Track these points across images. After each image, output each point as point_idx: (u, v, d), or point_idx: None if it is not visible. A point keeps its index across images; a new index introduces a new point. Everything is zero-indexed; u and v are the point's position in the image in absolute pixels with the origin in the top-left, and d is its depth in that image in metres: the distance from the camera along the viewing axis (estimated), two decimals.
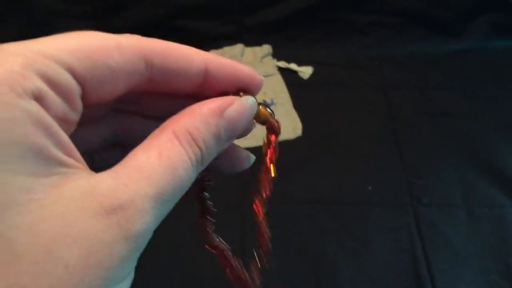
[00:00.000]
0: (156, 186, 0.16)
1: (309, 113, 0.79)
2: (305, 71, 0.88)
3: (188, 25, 0.89)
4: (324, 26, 0.93)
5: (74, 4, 0.84)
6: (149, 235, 0.16)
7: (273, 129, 0.22)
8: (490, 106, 0.82)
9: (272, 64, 0.89)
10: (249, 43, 0.90)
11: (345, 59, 0.90)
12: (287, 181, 0.68)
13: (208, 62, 0.19)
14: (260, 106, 0.21)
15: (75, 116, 0.16)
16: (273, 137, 0.23)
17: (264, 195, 0.23)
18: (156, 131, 0.17)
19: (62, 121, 0.15)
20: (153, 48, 0.18)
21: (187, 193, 0.20)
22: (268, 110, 0.22)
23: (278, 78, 0.86)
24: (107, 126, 0.21)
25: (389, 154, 0.75)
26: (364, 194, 0.69)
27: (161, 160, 0.16)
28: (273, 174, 0.23)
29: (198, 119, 0.18)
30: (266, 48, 0.90)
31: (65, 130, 0.15)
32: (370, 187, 0.70)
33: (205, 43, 0.89)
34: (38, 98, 0.14)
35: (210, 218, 0.25)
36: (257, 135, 0.26)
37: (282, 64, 0.89)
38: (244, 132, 0.21)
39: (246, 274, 0.24)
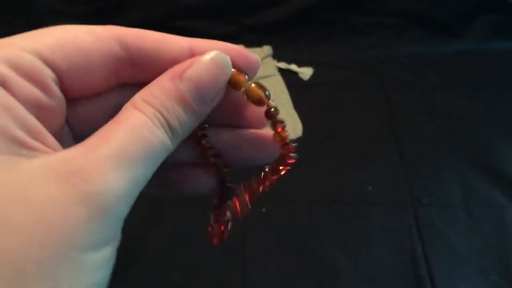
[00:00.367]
0: (116, 146, 0.15)
1: (309, 113, 0.79)
2: (306, 72, 0.88)
3: (188, 25, 0.89)
4: (324, 27, 0.93)
5: (74, 4, 0.84)
6: (117, 198, 0.15)
7: (268, 114, 0.20)
8: (490, 107, 0.82)
9: (273, 65, 0.89)
10: (249, 44, 0.90)
11: (346, 60, 0.90)
12: (287, 181, 0.68)
13: (193, 42, 0.20)
14: (253, 84, 0.20)
15: (53, 102, 0.16)
16: (279, 129, 0.21)
17: (258, 189, 0.22)
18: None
19: (35, 106, 0.16)
20: (126, 31, 0.18)
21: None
22: (266, 92, 0.20)
23: (279, 79, 0.87)
24: (111, 100, 0.20)
25: (389, 154, 0.75)
26: (364, 194, 0.69)
27: (120, 125, 0.16)
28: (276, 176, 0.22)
29: (154, 87, 0.18)
30: (267, 49, 0.90)
31: (42, 116, 0.16)
32: (370, 187, 0.70)
33: None
34: (2, 83, 0.15)
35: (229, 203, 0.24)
36: None
37: (283, 65, 0.89)
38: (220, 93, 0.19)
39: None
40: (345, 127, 0.79)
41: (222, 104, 0.20)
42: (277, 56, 0.90)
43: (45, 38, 0.16)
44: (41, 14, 0.83)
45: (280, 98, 0.83)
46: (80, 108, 0.19)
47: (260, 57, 0.96)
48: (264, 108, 0.20)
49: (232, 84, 0.19)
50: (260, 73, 0.21)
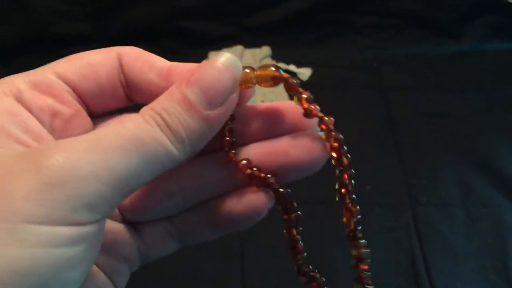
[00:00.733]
0: (93, 133, 0.16)
1: None
2: (304, 73, 0.88)
3: (188, 26, 0.89)
4: (323, 27, 0.93)
5: (74, 5, 0.84)
6: (76, 177, 0.15)
7: (289, 87, 0.20)
8: (489, 108, 0.82)
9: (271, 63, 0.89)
10: (248, 44, 0.91)
11: (344, 60, 0.90)
12: None
13: (173, 65, 0.20)
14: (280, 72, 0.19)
15: (68, 110, 0.19)
16: (323, 126, 0.20)
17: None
18: None
19: (50, 114, 0.19)
20: (124, 50, 0.20)
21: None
22: (295, 81, 0.20)
23: None
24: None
25: (387, 154, 0.75)
26: (363, 194, 0.69)
27: (110, 124, 0.17)
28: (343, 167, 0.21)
29: (162, 95, 0.18)
30: (265, 50, 0.91)
31: (59, 123, 0.19)
32: (369, 187, 0.70)
33: (204, 44, 0.89)
34: (17, 95, 0.18)
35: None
36: None
37: (281, 65, 0.89)
38: (232, 94, 0.19)
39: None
40: (343, 128, 0.78)
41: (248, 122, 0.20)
42: (276, 57, 0.90)
43: (62, 61, 0.20)
44: (41, 15, 0.83)
45: (279, 99, 0.83)
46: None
47: (259, 57, 0.96)
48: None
49: (244, 83, 0.19)
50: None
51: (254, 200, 0.21)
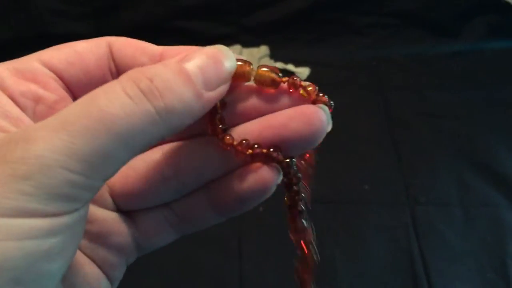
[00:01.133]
0: (59, 116, 0.15)
1: None
2: (302, 72, 0.88)
3: (186, 25, 0.89)
4: (321, 27, 0.94)
5: (74, 5, 0.84)
6: (47, 167, 0.14)
7: (292, 85, 0.19)
8: (487, 107, 0.82)
9: (270, 65, 0.89)
10: (246, 44, 0.91)
11: (342, 60, 0.91)
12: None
13: (165, 48, 0.20)
14: (262, 69, 0.19)
15: (53, 96, 0.19)
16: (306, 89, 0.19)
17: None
18: None
19: (33, 99, 0.18)
20: (115, 39, 0.20)
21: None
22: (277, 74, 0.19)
23: None
24: None
25: (386, 154, 0.75)
26: (361, 194, 0.69)
27: (78, 103, 0.16)
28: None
29: (155, 65, 0.17)
30: (264, 49, 0.91)
31: (43, 108, 0.18)
32: (367, 187, 0.70)
33: (202, 43, 0.89)
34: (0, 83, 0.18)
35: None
36: None
37: (280, 65, 0.89)
38: (225, 83, 0.18)
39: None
40: (342, 127, 0.79)
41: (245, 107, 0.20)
42: (274, 56, 0.90)
43: (49, 49, 0.19)
44: (40, 14, 0.83)
45: None
46: None
47: (257, 57, 0.96)
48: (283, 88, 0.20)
49: (239, 75, 0.19)
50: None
51: (262, 176, 0.20)
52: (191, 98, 0.17)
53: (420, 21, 0.94)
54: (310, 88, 0.20)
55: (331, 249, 0.63)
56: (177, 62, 0.17)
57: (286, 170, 0.20)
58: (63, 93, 0.19)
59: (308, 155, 0.21)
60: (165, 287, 0.60)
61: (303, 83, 0.20)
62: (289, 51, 0.91)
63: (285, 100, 0.20)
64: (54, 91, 0.19)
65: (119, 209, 0.21)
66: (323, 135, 0.19)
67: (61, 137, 0.14)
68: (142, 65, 0.19)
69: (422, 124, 0.80)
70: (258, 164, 0.20)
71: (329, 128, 0.19)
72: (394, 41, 0.93)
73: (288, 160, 0.20)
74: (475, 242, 0.64)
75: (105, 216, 0.20)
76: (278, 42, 0.91)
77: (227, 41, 0.90)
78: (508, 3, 0.91)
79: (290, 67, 0.89)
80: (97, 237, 0.20)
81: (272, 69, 0.20)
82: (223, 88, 0.18)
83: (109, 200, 0.21)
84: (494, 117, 0.80)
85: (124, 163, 0.16)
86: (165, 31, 0.88)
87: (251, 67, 0.19)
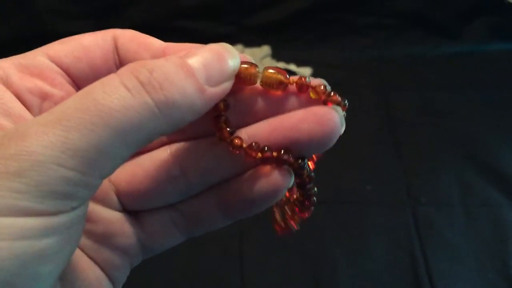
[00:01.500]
0: (56, 110, 0.15)
1: None
2: (304, 72, 0.88)
3: (188, 25, 0.89)
4: (323, 27, 0.93)
5: (74, 4, 0.84)
6: (40, 164, 0.13)
7: (299, 86, 0.18)
8: (489, 107, 0.82)
9: (271, 65, 0.89)
10: (248, 44, 0.90)
11: (344, 60, 0.90)
12: None
13: (168, 45, 0.20)
14: (269, 70, 0.19)
15: (59, 92, 0.19)
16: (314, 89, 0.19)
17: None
18: None
19: (39, 95, 0.18)
20: (120, 32, 0.20)
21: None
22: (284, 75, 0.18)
23: None
24: None
25: (387, 154, 0.75)
26: (363, 194, 0.69)
27: (76, 96, 0.15)
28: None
29: (157, 59, 0.16)
30: (265, 49, 0.91)
31: (46, 103, 0.18)
32: (368, 187, 0.70)
33: (204, 43, 0.89)
34: (4, 79, 0.17)
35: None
36: None
37: (281, 65, 0.89)
38: (227, 81, 0.18)
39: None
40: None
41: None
42: (276, 56, 0.90)
43: (55, 43, 0.19)
44: (40, 14, 0.83)
45: None
46: None
47: (259, 56, 0.96)
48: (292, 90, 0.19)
49: (245, 78, 0.18)
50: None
51: (273, 180, 0.19)
52: (193, 92, 0.16)
53: (421, 21, 0.94)
54: (320, 88, 0.19)
55: (332, 249, 0.63)
56: (180, 56, 0.17)
57: (299, 171, 0.20)
58: (70, 89, 0.19)
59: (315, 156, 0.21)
60: (165, 287, 0.60)
61: (313, 83, 0.19)
62: (291, 51, 0.91)
63: (293, 101, 0.19)
64: (61, 88, 0.19)
65: (124, 209, 0.20)
66: (336, 137, 0.19)
67: (55, 132, 0.14)
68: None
69: (423, 124, 0.80)
70: (268, 167, 0.19)
71: (342, 129, 0.19)
72: (395, 42, 0.93)
73: (300, 161, 0.19)
74: (476, 242, 0.64)
75: (110, 216, 0.20)
76: (280, 42, 0.91)
77: (229, 41, 0.90)
78: (511, 4, 0.91)
79: (292, 67, 0.89)
80: (101, 238, 0.19)
81: (279, 71, 0.19)
82: (226, 85, 0.18)
83: (114, 199, 0.20)
84: (496, 117, 0.80)
85: (123, 159, 0.15)
86: (166, 31, 0.87)
87: (257, 69, 0.19)
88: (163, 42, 0.20)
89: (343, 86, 0.86)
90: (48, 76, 0.18)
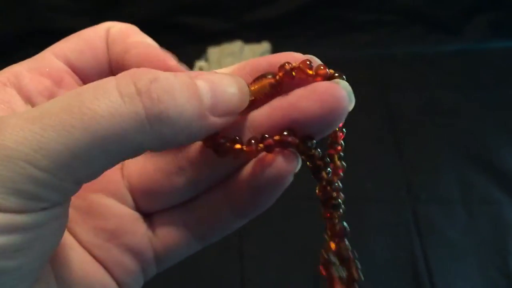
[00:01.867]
0: (40, 107, 0.14)
1: None
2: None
3: (187, 21, 0.89)
4: (323, 24, 0.93)
5: (74, 1, 0.84)
6: (8, 159, 0.13)
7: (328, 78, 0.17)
8: (489, 105, 0.82)
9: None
10: (248, 40, 0.90)
11: (344, 57, 0.90)
12: None
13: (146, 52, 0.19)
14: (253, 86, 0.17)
15: (61, 92, 0.18)
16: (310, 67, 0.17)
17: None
18: None
19: (46, 95, 0.18)
20: (113, 26, 0.20)
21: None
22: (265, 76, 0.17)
23: None
24: None
25: (388, 151, 0.75)
26: (362, 191, 0.69)
27: (64, 95, 0.15)
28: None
29: (164, 71, 0.16)
30: (265, 46, 0.90)
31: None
32: (369, 184, 0.70)
33: (203, 39, 0.89)
34: (16, 84, 0.17)
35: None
36: None
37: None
38: (231, 115, 0.17)
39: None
40: (343, 124, 0.79)
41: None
42: (275, 53, 0.90)
43: (60, 42, 0.19)
44: (40, 10, 0.83)
45: None
46: None
47: (258, 53, 0.96)
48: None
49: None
50: None
51: (277, 167, 0.18)
52: (193, 115, 0.15)
53: (422, 18, 0.94)
54: (306, 64, 0.17)
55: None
56: (190, 76, 0.15)
57: (306, 153, 0.17)
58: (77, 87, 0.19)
59: (334, 136, 0.18)
60: (165, 286, 0.60)
61: (309, 71, 0.17)
62: (290, 48, 0.89)
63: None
64: (68, 87, 0.19)
65: (138, 210, 0.20)
66: (344, 114, 0.17)
67: (32, 128, 0.13)
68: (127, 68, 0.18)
69: (424, 121, 0.79)
70: (271, 155, 0.18)
71: (351, 105, 0.17)
72: (396, 39, 0.93)
73: (307, 141, 0.17)
74: (476, 240, 0.64)
75: (123, 212, 0.19)
76: (279, 39, 0.91)
77: (229, 37, 0.90)
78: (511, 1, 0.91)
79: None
80: (112, 236, 0.19)
81: (262, 75, 0.18)
82: (228, 120, 0.16)
83: (128, 195, 0.20)
84: (496, 114, 0.80)
85: (103, 168, 0.15)
86: (165, 27, 0.87)
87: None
88: (148, 46, 0.19)
89: None
90: (56, 76, 0.18)
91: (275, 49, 0.90)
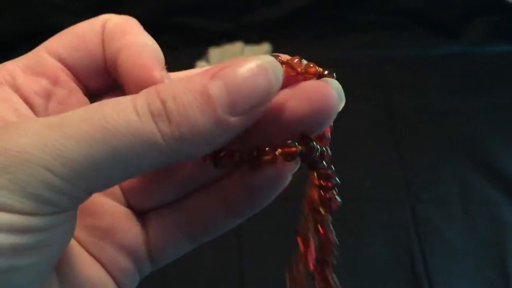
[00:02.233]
0: (60, 116, 0.14)
1: None
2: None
3: (188, 22, 0.89)
4: (323, 24, 0.93)
5: None
6: (26, 163, 0.13)
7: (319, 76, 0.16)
8: (488, 107, 0.82)
9: None
10: (248, 41, 0.90)
11: (344, 58, 0.90)
12: None
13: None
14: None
15: (62, 91, 0.18)
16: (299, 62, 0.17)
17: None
18: None
19: (43, 95, 0.18)
20: (110, 20, 0.19)
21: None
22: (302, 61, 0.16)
23: None
24: None
25: (387, 152, 0.75)
26: (362, 191, 0.69)
27: (85, 108, 0.14)
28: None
29: (179, 82, 0.15)
30: (265, 47, 0.90)
31: (54, 104, 0.18)
32: (368, 184, 0.70)
33: (204, 40, 0.89)
34: (11, 83, 0.17)
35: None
36: None
37: None
38: (261, 106, 0.15)
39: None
40: (343, 125, 0.78)
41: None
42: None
43: (53, 38, 0.19)
44: (39, 8, 0.83)
45: None
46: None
47: (259, 54, 0.96)
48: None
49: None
50: None
51: (277, 165, 0.17)
52: (209, 125, 0.14)
53: (422, 20, 0.94)
54: (294, 61, 0.16)
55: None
56: (203, 82, 0.14)
57: (308, 154, 0.16)
58: (72, 85, 0.19)
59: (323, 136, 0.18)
60: (164, 285, 0.60)
61: (283, 57, 0.16)
62: (290, 49, 0.90)
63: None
64: (64, 85, 0.19)
65: (130, 207, 0.20)
66: (333, 113, 0.16)
67: (53, 135, 0.13)
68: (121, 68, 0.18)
69: (423, 122, 0.80)
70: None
71: (341, 104, 0.16)
72: (396, 40, 0.93)
73: (308, 141, 0.16)
74: (475, 241, 0.64)
75: (116, 210, 0.19)
76: (279, 40, 0.91)
77: (229, 38, 0.90)
78: None
79: None
80: (105, 234, 0.19)
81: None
82: (258, 111, 0.15)
83: (119, 193, 0.20)
84: (495, 116, 0.80)
85: (117, 181, 0.15)
86: (167, 27, 0.87)
87: None
88: (144, 43, 0.18)
89: (343, 83, 0.85)
90: (50, 74, 0.18)
91: (275, 50, 0.90)
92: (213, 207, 0.19)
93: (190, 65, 0.84)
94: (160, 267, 0.21)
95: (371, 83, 0.86)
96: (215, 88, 0.14)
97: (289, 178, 0.18)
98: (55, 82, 0.18)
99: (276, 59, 0.16)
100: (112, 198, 0.19)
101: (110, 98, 0.15)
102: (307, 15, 0.92)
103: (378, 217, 0.67)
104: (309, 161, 0.17)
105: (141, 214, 0.20)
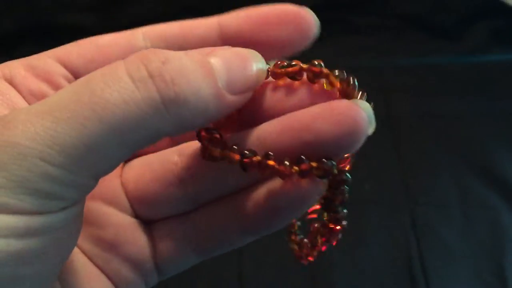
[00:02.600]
0: (49, 99, 0.13)
1: None
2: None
3: None
4: (323, 27, 0.93)
5: None
6: (22, 157, 0.12)
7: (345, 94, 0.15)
8: (488, 111, 0.82)
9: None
10: None
11: (344, 60, 0.90)
12: None
13: (222, 18, 0.20)
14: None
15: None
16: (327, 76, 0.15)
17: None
18: None
19: (39, 97, 0.17)
20: (153, 26, 0.19)
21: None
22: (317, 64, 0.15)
23: None
24: None
25: (386, 155, 0.75)
26: (360, 193, 0.69)
27: (72, 84, 0.14)
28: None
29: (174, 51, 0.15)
30: None
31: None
32: (367, 186, 0.70)
33: None
34: (9, 79, 0.17)
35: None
36: None
37: None
38: (249, 91, 0.15)
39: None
40: None
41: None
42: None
43: (68, 45, 0.18)
44: (44, 5, 0.83)
45: None
46: None
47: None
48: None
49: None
50: None
51: (303, 186, 0.16)
52: (209, 95, 0.14)
53: (423, 24, 0.94)
54: (335, 76, 0.15)
55: (328, 247, 0.63)
56: (201, 53, 0.14)
57: (325, 174, 0.16)
58: None
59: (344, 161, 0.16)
60: (164, 285, 0.60)
61: (325, 70, 0.15)
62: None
63: (303, 93, 0.17)
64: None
65: (137, 217, 0.19)
66: (362, 138, 0.15)
67: (44, 123, 0.12)
68: None
69: (423, 125, 0.80)
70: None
71: (371, 129, 0.15)
72: (396, 43, 0.93)
73: (328, 161, 0.16)
74: (473, 244, 0.64)
75: (121, 221, 0.18)
76: None
77: None
78: None
79: None
80: (110, 246, 0.18)
81: (292, 62, 0.17)
82: (246, 95, 0.15)
83: (125, 202, 0.19)
84: (494, 120, 0.80)
85: (119, 159, 0.14)
86: None
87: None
88: (210, 18, 0.18)
89: None
90: (54, 81, 0.17)
91: None
92: (227, 223, 0.18)
93: None
94: (167, 277, 0.20)
95: (370, 86, 0.86)
96: (217, 62, 0.14)
97: (314, 200, 0.17)
98: (57, 88, 0.17)
99: (314, 67, 0.17)
100: (118, 208, 0.19)
101: None
102: None
103: (376, 219, 0.67)
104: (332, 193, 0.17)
105: (148, 224, 0.19)
